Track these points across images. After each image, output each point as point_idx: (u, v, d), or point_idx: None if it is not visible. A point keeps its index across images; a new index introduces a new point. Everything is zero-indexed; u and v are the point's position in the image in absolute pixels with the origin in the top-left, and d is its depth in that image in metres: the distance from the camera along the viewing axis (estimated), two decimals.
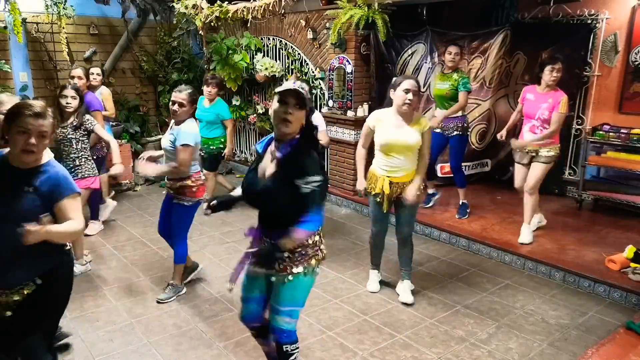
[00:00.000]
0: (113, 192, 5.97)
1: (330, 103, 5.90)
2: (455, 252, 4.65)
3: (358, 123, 5.41)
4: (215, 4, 6.61)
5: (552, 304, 3.69)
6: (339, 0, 5.27)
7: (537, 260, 4.18)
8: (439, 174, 5.69)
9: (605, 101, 5.44)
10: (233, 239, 4.91)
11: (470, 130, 5.40)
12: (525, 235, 4.46)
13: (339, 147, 5.85)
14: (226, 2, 6.62)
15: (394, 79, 3.53)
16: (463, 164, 5.27)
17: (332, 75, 5.78)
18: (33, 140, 2.07)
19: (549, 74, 4.21)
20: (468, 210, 5.14)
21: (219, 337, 3.25)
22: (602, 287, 3.79)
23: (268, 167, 2.26)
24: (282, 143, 2.23)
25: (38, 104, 2.13)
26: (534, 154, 4.34)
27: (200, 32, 6.99)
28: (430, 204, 5.32)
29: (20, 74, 6.40)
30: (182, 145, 3.43)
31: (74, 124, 4.02)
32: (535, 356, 3.06)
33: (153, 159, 3.62)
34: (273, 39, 6.62)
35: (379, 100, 5.34)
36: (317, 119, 4.25)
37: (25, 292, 2.16)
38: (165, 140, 3.61)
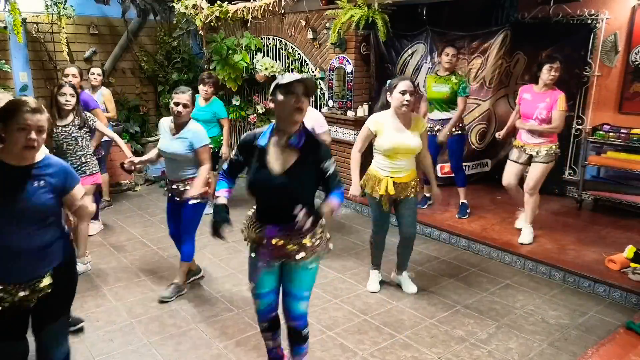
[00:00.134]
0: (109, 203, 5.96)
1: (330, 103, 5.90)
2: (455, 252, 4.65)
3: (358, 123, 5.41)
4: (215, 4, 6.60)
5: (552, 304, 3.69)
6: (339, 0, 5.27)
7: (537, 260, 4.18)
8: (439, 174, 5.69)
9: (605, 101, 5.44)
10: (233, 239, 4.87)
11: (469, 130, 5.39)
12: (526, 235, 4.46)
13: (339, 147, 5.85)
14: (226, 2, 6.61)
15: (388, 81, 3.53)
16: (463, 164, 5.27)
17: (332, 75, 5.77)
18: (34, 136, 2.08)
19: (547, 73, 4.20)
20: (468, 210, 5.14)
21: (219, 337, 3.25)
22: (602, 287, 3.79)
23: (280, 159, 2.29)
24: (291, 134, 2.28)
25: (32, 100, 2.15)
26: (533, 154, 4.34)
27: (200, 32, 6.97)
28: (424, 207, 5.33)
29: (20, 74, 6.39)
30: (204, 145, 3.55)
31: (77, 122, 4.03)
32: (535, 356, 3.06)
33: (135, 164, 3.66)
34: (273, 39, 6.61)
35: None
36: (319, 119, 4.24)
37: (47, 282, 2.22)
38: (175, 145, 3.56)
